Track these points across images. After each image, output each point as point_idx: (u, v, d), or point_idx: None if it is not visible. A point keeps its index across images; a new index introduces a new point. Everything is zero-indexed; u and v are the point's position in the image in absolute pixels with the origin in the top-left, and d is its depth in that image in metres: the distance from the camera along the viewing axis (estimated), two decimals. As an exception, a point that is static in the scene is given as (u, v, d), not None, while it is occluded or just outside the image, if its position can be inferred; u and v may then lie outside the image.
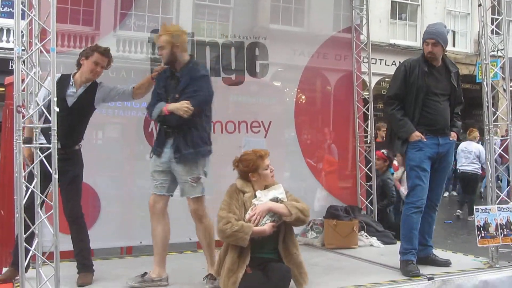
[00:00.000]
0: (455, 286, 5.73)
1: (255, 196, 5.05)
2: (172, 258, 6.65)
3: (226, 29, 7.75)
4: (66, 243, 6.05)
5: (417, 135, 5.90)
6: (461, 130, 6.36)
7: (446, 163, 6.18)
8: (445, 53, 6.07)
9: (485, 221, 6.25)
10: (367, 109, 8.42)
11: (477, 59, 22.40)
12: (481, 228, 6.24)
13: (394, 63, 22.51)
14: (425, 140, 5.90)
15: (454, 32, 25.26)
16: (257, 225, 4.85)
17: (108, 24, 7.06)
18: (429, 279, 5.61)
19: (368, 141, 8.30)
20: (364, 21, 8.46)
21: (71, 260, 6.36)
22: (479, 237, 6.25)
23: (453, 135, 6.14)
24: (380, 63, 21.67)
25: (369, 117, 8.32)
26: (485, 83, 6.53)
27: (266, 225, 4.88)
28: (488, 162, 6.58)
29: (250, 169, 5.10)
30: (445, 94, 6.04)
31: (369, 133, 8.27)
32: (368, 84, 8.52)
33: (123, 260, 6.71)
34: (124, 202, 7.00)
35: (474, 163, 13.99)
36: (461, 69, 24.36)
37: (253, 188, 5.10)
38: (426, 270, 5.88)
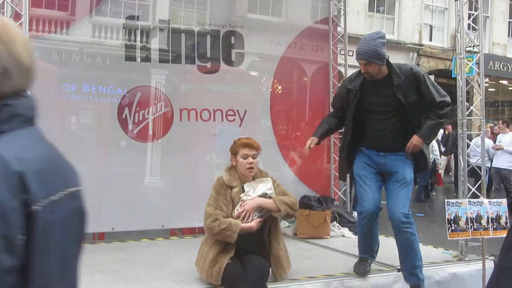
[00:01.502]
0: (425, 278, 5.78)
1: (243, 190, 5.01)
2: (144, 245, 6.68)
3: (204, 17, 7.71)
4: None
5: (310, 139, 5.60)
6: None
7: (399, 177, 5.41)
8: (389, 63, 5.29)
9: (455, 214, 6.30)
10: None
11: (453, 54, 22.64)
12: (452, 222, 6.30)
13: (371, 55, 22.64)
14: (308, 149, 5.56)
15: (431, 27, 25.47)
16: (245, 221, 4.84)
17: (83, 10, 6.99)
18: (399, 270, 5.66)
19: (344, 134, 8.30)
20: (342, 12, 8.48)
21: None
22: (449, 230, 6.30)
23: (414, 142, 5.33)
24: (357, 55, 21.74)
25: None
26: (459, 77, 6.59)
27: (254, 222, 4.86)
28: (461, 156, 6.66)
29: (232, 151, 5.08)
30: (389, 111, 5.38)
31: (345, 124, 8.27)
32: (344, 75, 8.54)
33: (95, 245, 6.67)
34: (96, 188, 6.94)
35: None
36: (437, 63, 24.87)
37: (240, 181, 5.05)
38: (396, 261, 5.93)
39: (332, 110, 5.89)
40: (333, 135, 8.18)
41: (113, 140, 7.06)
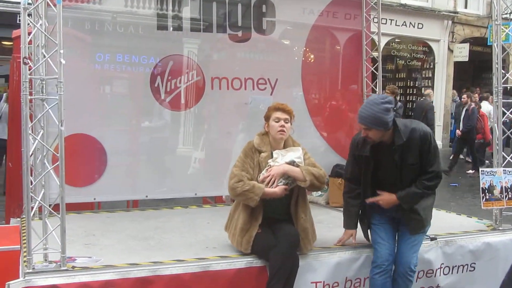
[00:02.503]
0: (458, 247, 5.76)
1: (272, 156, 5.02)
2: (177, 213, 6.78)
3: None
4: (72, 196, 6.15)
5: (347, 234, 5.29)
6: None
7: (405, 229, 5.17)
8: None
9: (490, 183, 6.25)
10: (376, 69, 8.35)
11: (489, 22, 22.21)
12: (486, 191, 6.25)
13: (404, 23, 22.33)
14: (355, 243, 5.28)
15: (466, -6, 24.95)
16: (270, 186, 4.84)
17: (116, -21, 7.01)
18: (432, 239, 5.64)
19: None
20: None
21: (77, 212, 6.49)
22: (484, 200, 6.26)
23: (385, 199, 5.11)
24: (391, 23, 21.43)
25: (378, 77, 8.25)
26: (495, 44, 6.45)
27: (278, 188, 4.84)
28: (496, 125, 6.55)
29: (265, 116, 5.07)
30: (393, 174, 5.12)
31: (377, 92, 8.21)
32: (377, 43, 8.44)
33: (129, 213, 6.79)
34: (130, 156, 7.05)
35: None
36: (473, 31, 24.45)
37: (270, 147, 5.05)
38: (429, 230, 5.91)
39: (350, 185, 5.37)
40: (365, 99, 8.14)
41: (146, 109, 7.12)
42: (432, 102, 17.91)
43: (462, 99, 16.88)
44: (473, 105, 15.88)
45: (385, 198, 5.10)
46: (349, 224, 5.30)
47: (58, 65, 4.21)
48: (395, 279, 5.04)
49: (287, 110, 5.04)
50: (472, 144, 16.32)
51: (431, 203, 5.30)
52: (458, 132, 16.65)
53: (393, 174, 5.10)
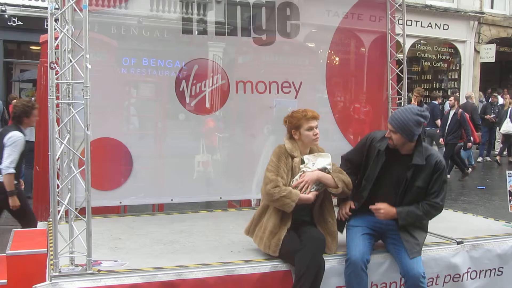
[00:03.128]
0: (485, 251, 5.70)
1: (302, 161, 5.03)
2: (203, 216, 6.79)
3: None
4: (99, 199, 6.20)
5: (346, 205, 5.28)
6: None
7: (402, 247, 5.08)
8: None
9: (517, 186, 6.18)
10: (401, 71, 8.30)
11: (517, 22, 21.97)
12: (513, 193, 6.18)
13: (430, 24, 22.16)
14: (353, 207, 5.24)
15: (493, -7, 24.69)
16: (303, 192, 4.85)
17: (142, -17, 7.06)
18: (458, 243, 5.58)
19: (402, 104, 8.18)
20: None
21: (103, 215, 6.54)
22: (511, 203, 6.19)
23: (386, 211, 5.06)
24: (416, 25, 21.31)
25: (403, 80, 8.20)
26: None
27: (311, 194, 4.88)
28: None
29: (293, 125, 5.06)
30: (397, 190, 5.12)
31: (402, 95, 8.16)
32: (402, 45, 8.38)
33: (154, 217, 6.82)
34: (155, 160, 7.07)
35: None
36: (499, 32, 24.19)
37: (300, 152, 5.06)
38: (456, 233, 5.86)
39: (346, 163, 5.40)
40: (391, 105, 8.09)
41: (171, 113, 7.14)
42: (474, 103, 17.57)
43: (449, 101, 15.96)
44: (460, 110, 15.11)
45: (386, 209, 5.06)
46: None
47: (84, 69, 4.25)
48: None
49: (317, 117, 5.07)
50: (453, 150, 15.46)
51: (426, 229, 5.30)
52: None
53: (397, 190, 5.11)
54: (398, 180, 5.09)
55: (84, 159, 4.27)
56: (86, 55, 4.26)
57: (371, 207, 5.11)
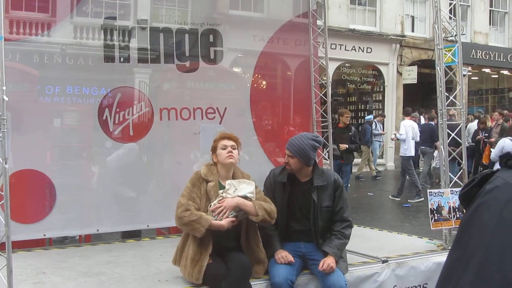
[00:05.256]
0: (409, 268, 5.84)
1: (220, 185, 5.02)
2: (130, 246, 6.68)
3: (185, 15, 7.67)
4: (21, 233, 6.02)
5: (282, 256, 5.10)
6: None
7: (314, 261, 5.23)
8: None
9: (438, 204, 6.38)
10: (325, 95, 8.45)
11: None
12: (435, 211, 6.38)
13: (354, 48, 22.68)
14: (292, 261, 5.10)
15: (413, 17, 25.53)
16: (219, 218, 4.82)
17: (64, 11, 6.93)
18: (384, 262, 5.71)
19: (327, 126, 8.29)
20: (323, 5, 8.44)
21: (27, 249, 6.34)
22: (433, 220, 6.39)
23: (327, 263, 5.05)
24: (340, 48, 21.75)
25: (327, 103, 8.33)
26: (438, 68, 6.62)
27: (225, 221, 4.81)
28: (442, 146, 6.70)
29: (212, 149, 5.13)
30: (309, 217, 5.27)
31: (327, 118, 8.27)
32: (325, 68, 8.52)
33: (80, 248, 6.66)
34: (80, 190, 6.93)
35: None
36: (420, 54, 24.98)
37: (218, 176, 5.07)
38: (381, 252, 5.98)
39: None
40: (316, 128, 8.20)
41: (96, 142, 7.03)
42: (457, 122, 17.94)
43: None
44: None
45: (327, 261, 5.06)
46: (276, 246, 5.22)
47: (1, 102, 4.15)
48: None
49: (233, 138, 5.15)
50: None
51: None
52: None
53: (308, 216, 5.26)
54: (307, 205, 5.25)
55: (2, 193, 4.16)
56: (3, 87, 4.16)
57: (322, 269, 5.03)
